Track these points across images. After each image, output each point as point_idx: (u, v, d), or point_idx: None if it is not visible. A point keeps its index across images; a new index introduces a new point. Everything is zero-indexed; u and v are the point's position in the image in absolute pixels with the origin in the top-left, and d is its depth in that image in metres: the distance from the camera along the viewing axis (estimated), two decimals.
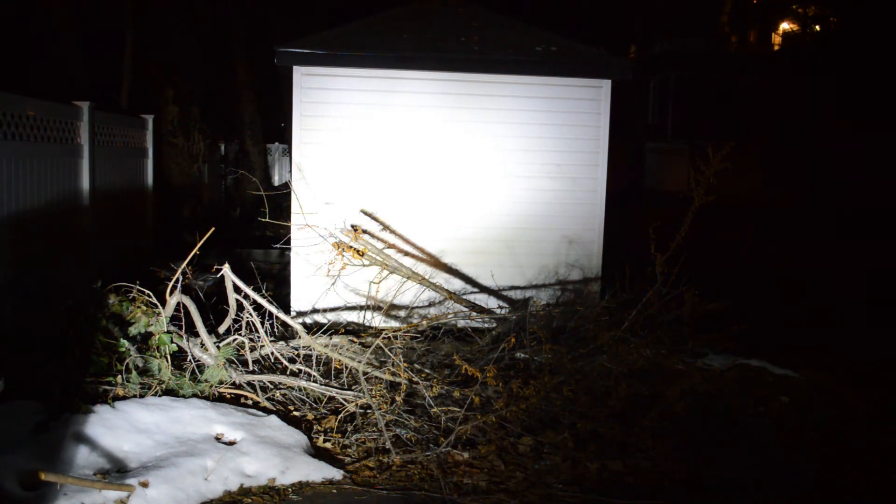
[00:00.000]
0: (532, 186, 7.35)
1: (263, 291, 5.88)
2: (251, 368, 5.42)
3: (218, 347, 5.35)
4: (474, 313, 6.70)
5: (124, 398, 4.70)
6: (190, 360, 5.26)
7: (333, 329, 6.39)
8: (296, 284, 7.21)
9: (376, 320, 7.09)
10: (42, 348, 4.97)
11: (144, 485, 3.73)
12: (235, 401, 5.05)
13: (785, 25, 32.29)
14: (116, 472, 3.93)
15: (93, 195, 7.27)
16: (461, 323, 6.73)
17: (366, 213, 7.24)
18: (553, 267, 7.38)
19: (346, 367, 5.62)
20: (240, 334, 5.56)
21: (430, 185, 7.30)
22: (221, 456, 4.10)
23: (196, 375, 5.19)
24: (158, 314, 5.26)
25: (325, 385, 5.35)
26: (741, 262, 12.10)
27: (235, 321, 5.71)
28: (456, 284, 7.31)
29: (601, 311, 6.19)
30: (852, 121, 18.17)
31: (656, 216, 6.85)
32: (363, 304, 7.15)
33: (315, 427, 4.81)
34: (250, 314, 5.67)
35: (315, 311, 7.18)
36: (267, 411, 4.87)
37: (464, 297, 7.08)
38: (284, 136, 21.49)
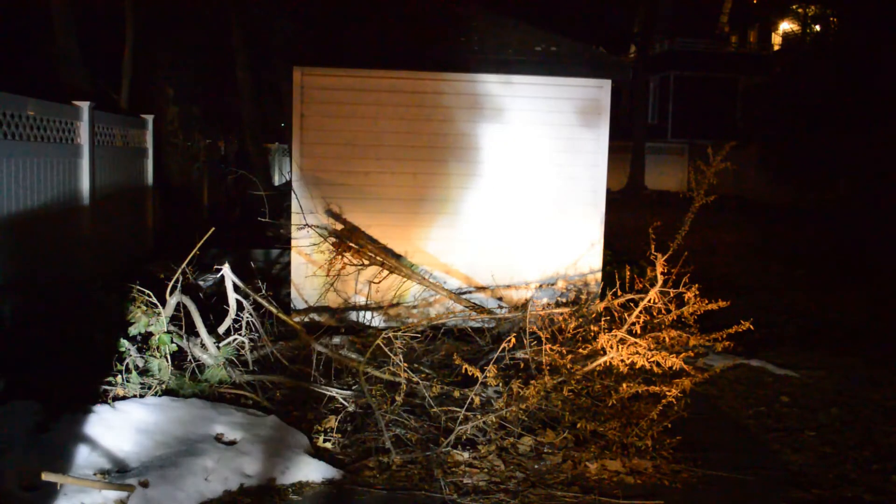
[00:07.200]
0: (532, 186, 7.35)
1: (263, 291, 5.87)
2: (251, 368, 5.42)
3: (218, 347, 5.34)
4: (474, 313, 6.70)
5: (124, 398, 4.70)
6: (190, 360, 5.25)
7: (333, 329, 6.39)
8: (296, 284, 7.21)
9: (376, 320, 7.09)
10: (42, 348, 4.97)
11: (144, 484, 3.73)
12: (235, 401, 5.04)
13: (785, 25, 32.28)
14: (116, 471, 3.93)
15: (93, 195, 7.27)
16: (461, 323, 6.73)
17: (365, 213, 7.24)
18: (553, 267, 7.38)
19: (346, 367, 5.61)
20: (240, 334, 5.56)
21: (430, 185, 7.30)
22: (221, 456, 4.10)
23: (196, 375, 5.19)
24: (158, 314, 5.26)
25: (325, 385, 5.35)
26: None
27: (235, 321, 5.70)
28: (455, 284, 7.31)
29: (601, 311, 6.18)
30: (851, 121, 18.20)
31: (656, 216, 6.85)
32: (363, 303, 7.14)
33: (315, 427, 4.80)
34: (250, 314, 5.67)
35: (315, 310, 7.18)
36: (267, 411, 4.87)
37: (463, 296, 7.08)
38: (284, 136, 21.49)
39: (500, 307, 7.21)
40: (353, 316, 7.13)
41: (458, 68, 7.19)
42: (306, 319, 7.09)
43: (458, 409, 4.82)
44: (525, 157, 7.33)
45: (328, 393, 5.21)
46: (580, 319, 6.03)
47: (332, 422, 4.83)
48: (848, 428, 5.19)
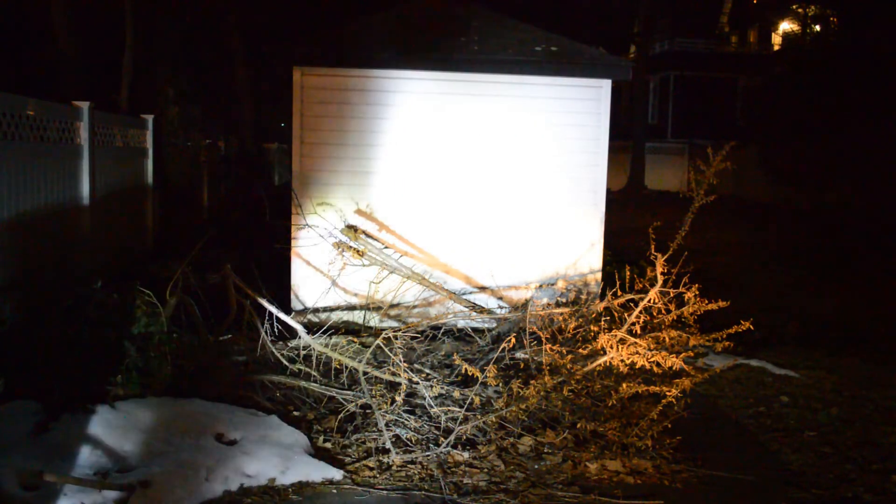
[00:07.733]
0: (532, 186, 7.35)
1: (263, 291, 5.87)
2: (251, 368, 5.42)
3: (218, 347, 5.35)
4: (474, 313, 6.70)
5: (124, 398, 4.70)
6: (190, 360, 5.25)
7: (333, 329, 6.39)
8: (296, 284, 7.21)
9: (376, 320, 7.09)
10: (42, 348, 4.97)
11: (144, 484, 3.73)
12: (236, 400, 5.04)
13: (785, 25, 32.26)
14: (117, 471, 3.93)
15: (93, 195, 7.27)
16: (461, 323, 6.73)
17: (365, 213, 7.24)
18: (553, 267, 7.38)
19: (346, 367, 5.61)
20: (240, 334, 5.56)
21: (430, 185, 7.30)
22: (222, 455, 4.10)
23: (196, 375, 5.18)
24: (159, 314, 5.26)
25: (325, 385, 5.35)
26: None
27: (236, 321, 5.71)
28: (455, 284, 7.31)
29: (601, 311, 6.18)
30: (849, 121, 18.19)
31: (656, 216, 6.85)
32: (363, 304, 7.14)
33: (315, 427, 4.81)
34: (251, 314, 5.67)
35: (315, 310, 7.18)
36: (267, 411, 4.87)
37: (463, 296, 7.08)
38: (284, 136, 21.50)
39: (501, 307, 7.21)
40: (353, 316, 7.13)
41: (458, 68, 7.19)
42: (306, 319, 7.09)
43: (458, 409, 4.83)
44: (525, 157, 7.33)
45: (328, 393, 5.21)
46: (580, 319, 6.03)
47: (332, 422, 4.83)
48: (848, 428, 5.19)
